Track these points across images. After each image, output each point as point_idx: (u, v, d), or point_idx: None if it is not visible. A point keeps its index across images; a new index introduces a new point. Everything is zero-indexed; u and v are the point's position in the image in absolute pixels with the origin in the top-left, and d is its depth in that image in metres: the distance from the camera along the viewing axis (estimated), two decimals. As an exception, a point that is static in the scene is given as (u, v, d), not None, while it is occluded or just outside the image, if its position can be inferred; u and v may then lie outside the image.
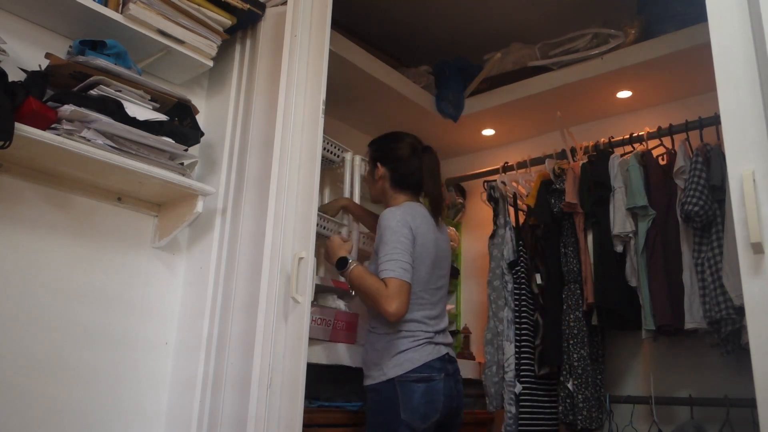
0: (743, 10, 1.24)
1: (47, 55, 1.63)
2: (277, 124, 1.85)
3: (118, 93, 1.66)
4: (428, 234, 1.91)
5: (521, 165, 2.90)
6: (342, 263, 1.91)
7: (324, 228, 2.43)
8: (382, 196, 2.05)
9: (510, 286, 2.61)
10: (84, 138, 1.57)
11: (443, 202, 2.02)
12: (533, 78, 2.82)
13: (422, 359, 1.80)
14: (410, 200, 1.99)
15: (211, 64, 1.97)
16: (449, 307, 2.40)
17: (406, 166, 2.00)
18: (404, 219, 1.86)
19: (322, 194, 2.76)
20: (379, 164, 2.03)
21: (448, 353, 1.89)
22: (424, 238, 1.89)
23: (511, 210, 2.80)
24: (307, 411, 1.62)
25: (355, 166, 2.64)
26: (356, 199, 2.65)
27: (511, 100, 2.88)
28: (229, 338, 1.82)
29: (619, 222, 2.38)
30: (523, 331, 2.54)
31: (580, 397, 2.38)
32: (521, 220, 2.78)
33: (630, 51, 2.55)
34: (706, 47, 1.27)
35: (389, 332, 1.84)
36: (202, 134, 1.92)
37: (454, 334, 2.95)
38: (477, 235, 3.18)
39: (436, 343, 1.87)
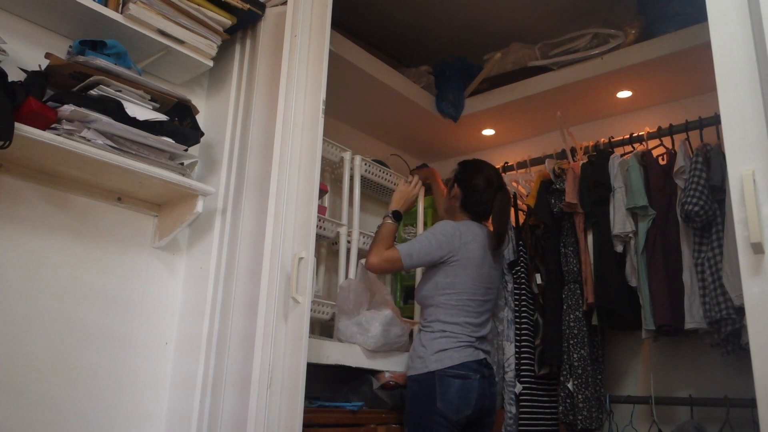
0: (743, 10, 1.24)
1: (47, 55, 1.63)
2: (277, 125, 1.85)
3: (118, 93, 1.66)
4: (477, 251, 2.14)
5: (521, 165, 2.91)
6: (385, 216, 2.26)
7: (324, 228, 2.43)
8: (449, 212, 2.31)
9: (510, 286, 2.60)
10: (84, 138, 1.57)
11: (504, 238, 2.27)
12: (533, 78, 2.81)
13: (461, 359, 2.02)
14: (470, 220, 2.23)
15: (211, 64, 1.97)
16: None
17: (479, 195, 2.24)
18: (448, 230, 2.13)
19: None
20: (456, 185, 2.29)
21: (486, 359, 2.11)
22: (469, 251, 2.12)
23: (511, 210, 2.80)
24: (307, 411, 1.62)
25: (355, 165, 2.63)
26: (356, 199, 2.63)
27: (511, 100, 2.88)
28: (229, 338, 1.82)
29: (619, 222, 2.38)
30: (523, 331, 2.54)
31: (580, 397, 2.37)
32: (521, 220, 2.77)
33: (630, 51, 2.54)
34: (706, 47, 1.26)
35: (435, 331, 2.07)
36: (202, 134, 1.92)
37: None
38: (477, 235, 3.18)
39: (477, 348, 2.08)
